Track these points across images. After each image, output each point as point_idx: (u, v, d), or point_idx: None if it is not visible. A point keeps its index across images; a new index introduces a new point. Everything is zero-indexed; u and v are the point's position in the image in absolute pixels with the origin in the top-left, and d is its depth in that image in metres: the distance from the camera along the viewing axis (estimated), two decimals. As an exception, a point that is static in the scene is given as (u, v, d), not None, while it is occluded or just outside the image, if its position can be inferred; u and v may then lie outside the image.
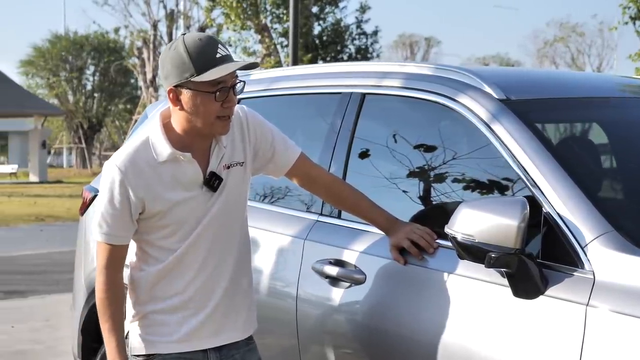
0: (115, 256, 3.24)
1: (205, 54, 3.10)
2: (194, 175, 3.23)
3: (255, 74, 4.74)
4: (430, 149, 3.71)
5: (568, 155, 3.47)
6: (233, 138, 3.34)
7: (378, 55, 31.70)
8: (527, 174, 3.19)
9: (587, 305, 2.85)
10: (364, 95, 3.94)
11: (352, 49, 30.65)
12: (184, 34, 3.21)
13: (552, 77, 4.38)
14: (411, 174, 3.74)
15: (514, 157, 3.24)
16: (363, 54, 30.50)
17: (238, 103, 4.36)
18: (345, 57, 30.05)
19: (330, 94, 4.14)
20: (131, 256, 3.33)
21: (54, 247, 15.57)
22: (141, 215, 3.21)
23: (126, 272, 3.32)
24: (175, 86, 3.13)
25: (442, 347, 3.22)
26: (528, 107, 3.45)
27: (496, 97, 3.44)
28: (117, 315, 3.25)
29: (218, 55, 3.11)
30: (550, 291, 2.95)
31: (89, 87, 64.30)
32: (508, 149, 3.27)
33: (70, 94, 62.97)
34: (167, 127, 3.23)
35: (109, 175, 3.19)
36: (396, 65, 3.97)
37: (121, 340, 3.23)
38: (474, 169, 3.56)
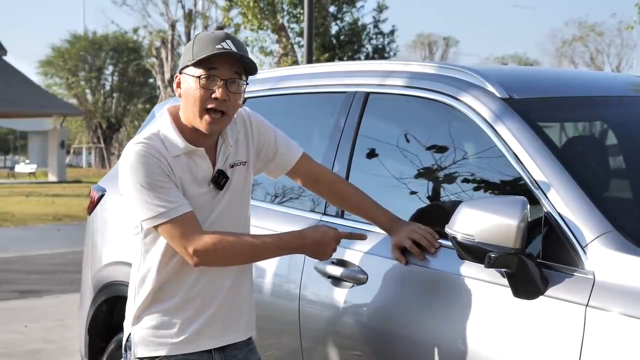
0: (195, 222, 3.11)
1: (207, 44, 3.12)
2: (207, 171, 3.22)
3: (261, 73, 4.73)
4: (433, 148, 3.70)
5: (570, 155, 3.45)
6: (237, 137, 3.34)
7: (395, 55, 31.62)
8: (529, 173, 3.17)
9: (587, 305, 2.83)
10: (367, 94, 3.93)
11: (369, 48, 30.59)
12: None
13: (556, 76, 4.34)
14: (414, 173, 3.73)
15: (516, 156, 3.22)
16: (380, 54, 30.43)
17: (244, 103, 4.40)
18: (362, 57, 29.98)
19: (335, 93, 4.13)
20: (136, 256, 3.30)
21: (70, 246, 15.60)
22: None
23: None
24: (180, 73, 3.20)
25: (443, 346, 3.21)
26: (531, 106, 3.43)
27: (499, 96, 3.43)
28: (250, 238, 3.19)
29: (218, 46, 3.10)
30: (550, 291, 2.94)
31: (107, 87, 64.52)
32: (510, 148, 3.25)
33: (89, 93, 63.20)
34: (177, 122, 3.22)
35: (135, 158, 3.09)
36: (400, 64, 3.96)
37: (280, 235, 3.24)
38: (476, 168, 3.55)
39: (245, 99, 4.52)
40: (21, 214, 23.03)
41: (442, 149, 3.66)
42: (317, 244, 3.25)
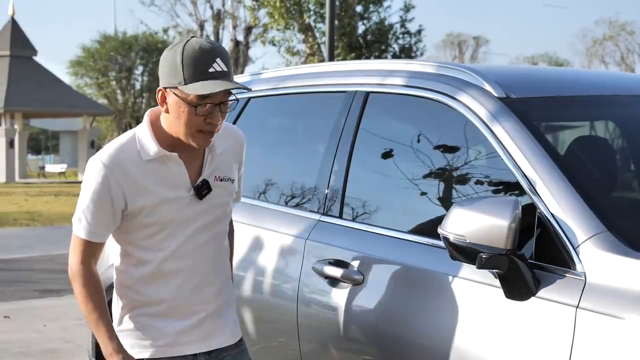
0: (92, 252, 3.19)
1: (198, 66, 3.00)
2: (179, 176, 3.17)
3: (264, 73, 4.73)
4: (431, 148, 3.67)
5: (565, 155, 3.42)
6: (228, 152, 3.31)
7: (422, 54, 31.59)
8: (523, 173, 3.14)
9: (577, 307, 2.80)
10: (367, 93, 3.91)
11: (396, 48, 30.58)
12: (192, 37, 3.12)
13: (556, 75, 4.30)
14: (412, 172, 3.70)
15: (511, 156, 3.20)
16: (407, 53, 30.41)
17: (247, 104, 4.40)
18: (389, 56, 29.98)
19: (336, 92, 4.11)
20: (116, 258, 3.29)
21: (94, 246, 15.62)
22: (124, 213, 3.14)
23: (112, 274, 3.30)
24: (165, 87, 3.09)
25: (437, 346, 3.19)
26: (528, 106, 3.40)
27: (496, 95, 3.40)
28: (102, 305, 3.18)
29: (211, 70, 3.01)
30: (541, 292, 2.91)
31: (137, 87, 64.69)
32: (505, 147, 3.23)
33: (119, 93, 63.42)
34: (155, 126, 3.17)
35: (93, 170, 3.12)
36: (400, 64, 3.94)
37: (110, 327, 3.18)
38: (473, 168, 3.52)
39: (248, 99, 4.52)
40: (48, 213, 23.19)
41: (440, 149, 3.63)
42: None
